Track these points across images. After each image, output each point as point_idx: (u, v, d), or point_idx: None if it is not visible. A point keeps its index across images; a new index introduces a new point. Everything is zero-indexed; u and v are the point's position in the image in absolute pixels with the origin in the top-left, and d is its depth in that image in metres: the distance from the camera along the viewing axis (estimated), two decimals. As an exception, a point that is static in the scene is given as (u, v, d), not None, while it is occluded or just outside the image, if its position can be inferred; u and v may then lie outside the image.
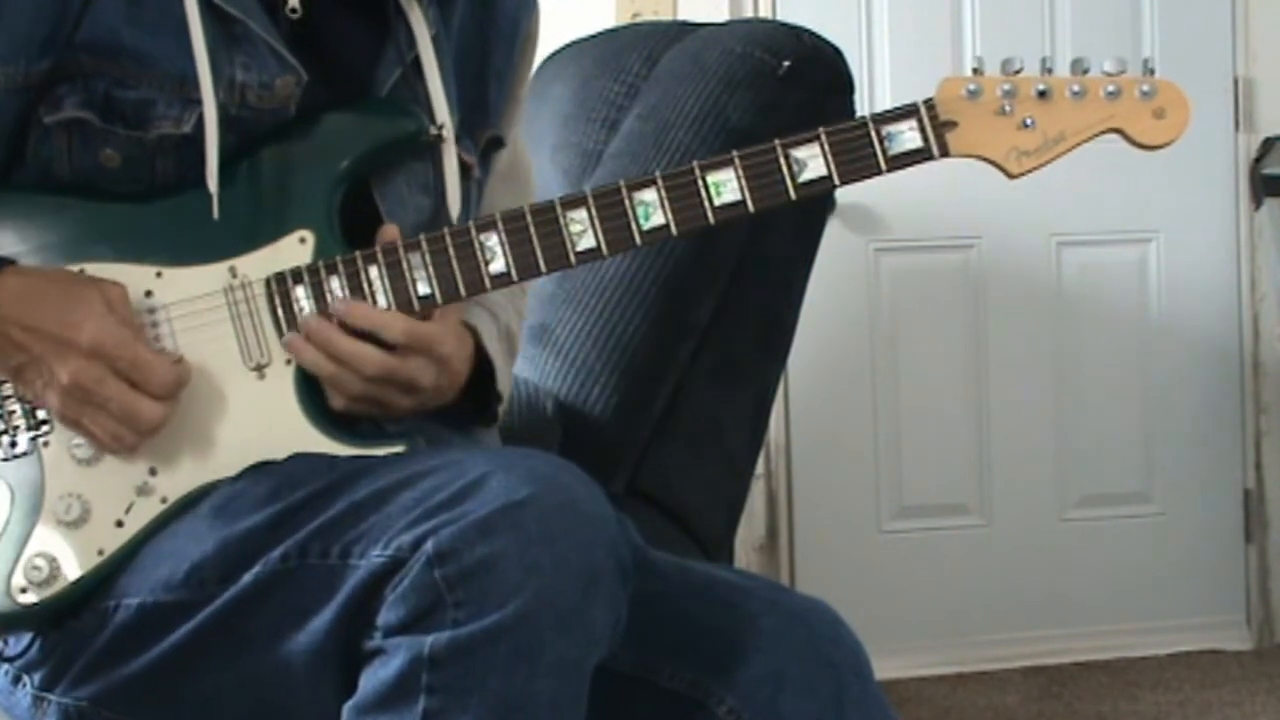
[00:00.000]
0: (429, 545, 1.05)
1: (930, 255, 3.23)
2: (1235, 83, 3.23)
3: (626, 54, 2.23)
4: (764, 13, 3.13)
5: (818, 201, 2.14)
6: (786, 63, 1.98)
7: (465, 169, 1.34)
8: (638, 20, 2.98)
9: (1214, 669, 3.14)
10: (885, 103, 3.15)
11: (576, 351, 1.94)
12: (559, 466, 1.12)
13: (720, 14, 3.03)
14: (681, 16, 3.02)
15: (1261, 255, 3.23)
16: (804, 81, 2.00)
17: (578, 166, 2.19)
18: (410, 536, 1.07)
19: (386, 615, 1.07)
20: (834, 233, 2.86)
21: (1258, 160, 3.18)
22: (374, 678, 1.08)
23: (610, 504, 1.13)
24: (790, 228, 2.06)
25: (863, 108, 2.28)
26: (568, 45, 2.41)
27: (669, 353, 1.96)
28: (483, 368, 1.32)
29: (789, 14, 3.02)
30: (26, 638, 1.23)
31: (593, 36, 2.44)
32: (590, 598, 1.07)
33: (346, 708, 1.10)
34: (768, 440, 3.00)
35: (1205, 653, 3.25)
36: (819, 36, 2.07)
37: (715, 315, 2.00)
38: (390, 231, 1.25)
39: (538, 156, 2.22)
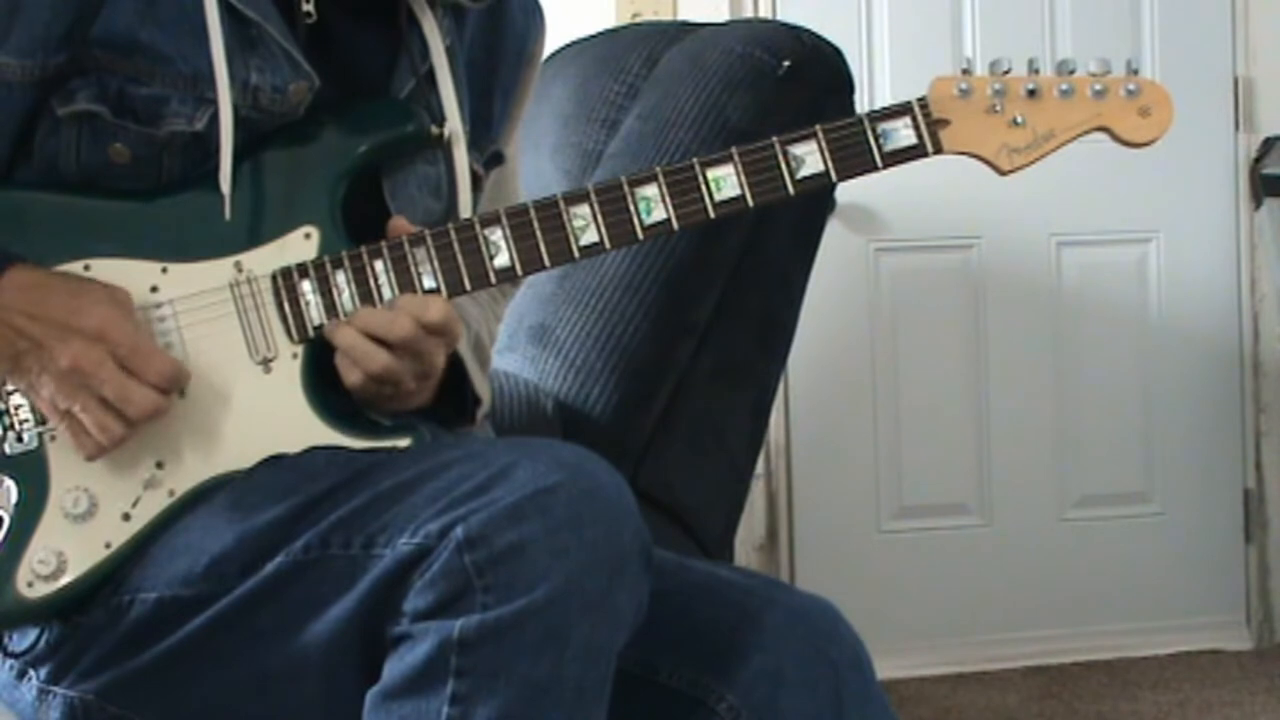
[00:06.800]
0: (458, 531, 1.06)
1: (930, 255, 3.23)
2: (1235, 83, 3.23)
3: (626, 54, 2.24)
4: (764, 13, 3.13)
5: (817, 201, 2.15)
6: (786, 63, 1.99)
7: (475, 178, 1.35)
8: (638, 20, 2.98)
9: (1214, 669, 3.14)
10: (885, 102, 3.14)
11: (576, 351, 1.94)
12: (582, 454, 1.13)
13: (720, 14, 3.03)
14: (681, 16, 3.02)
15: (1261, 255, 3.23)
16: (804, 81, 2.00)
17: (578, 166, 2.19)
18: (437, 525, 1.08)
19: (414, 601, 1.08)
20: (834, 233, 2.86)
21: (1258, 160, 3.18)
22: (401, 662, 1.09)
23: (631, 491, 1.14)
24: (790, 228, 2.07)
25: (863, 107, 2.28)
26: (568, 45, 2.41)
27: (669, 353, 1.96)
28: (453, 374, 1.33)
29: (789, 14, 3.02)
30: (33, 632, 1.23)
31: (593, 36, 2.44)
32: (617, 582, 1.09)
33: (371, 693, 1.11)
34: (768, 440, 3.00)
35: (1205, 653, 3.24)
36: (819, 36, 2.07)
37: (715, 315, 2.00)
38: (400, 223, 1.26)
39: (538, 156, 2.22)
